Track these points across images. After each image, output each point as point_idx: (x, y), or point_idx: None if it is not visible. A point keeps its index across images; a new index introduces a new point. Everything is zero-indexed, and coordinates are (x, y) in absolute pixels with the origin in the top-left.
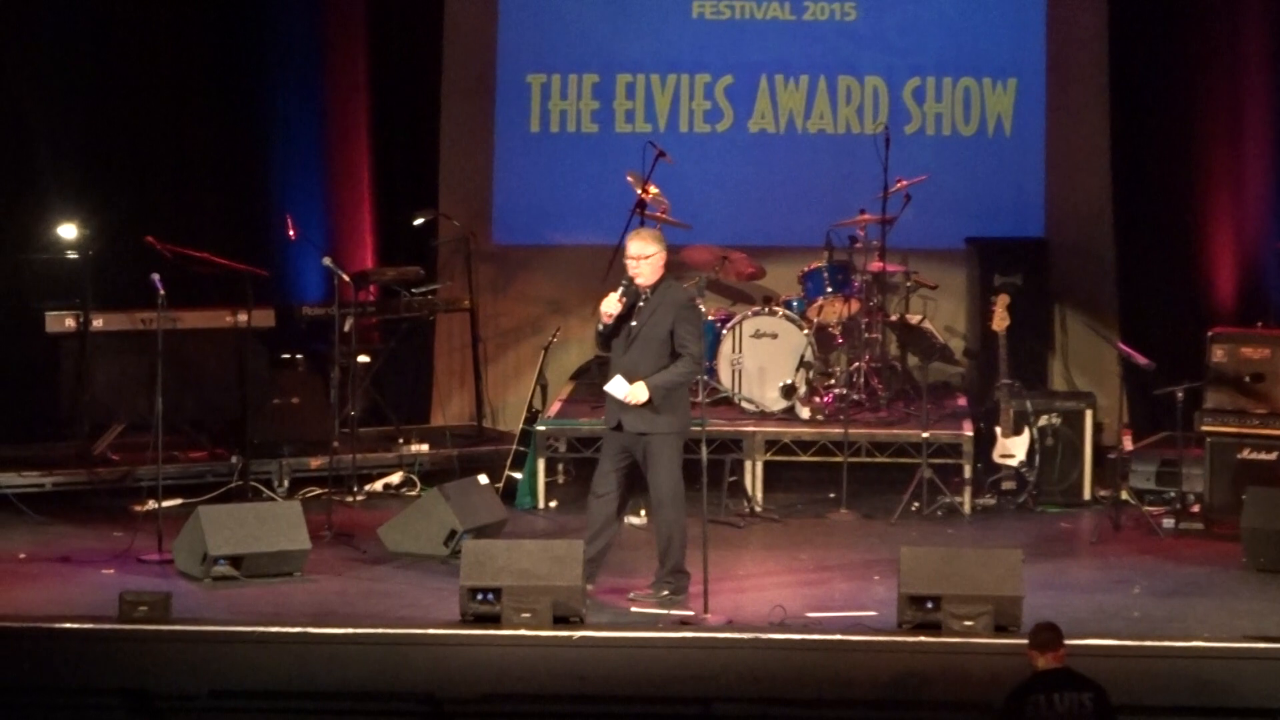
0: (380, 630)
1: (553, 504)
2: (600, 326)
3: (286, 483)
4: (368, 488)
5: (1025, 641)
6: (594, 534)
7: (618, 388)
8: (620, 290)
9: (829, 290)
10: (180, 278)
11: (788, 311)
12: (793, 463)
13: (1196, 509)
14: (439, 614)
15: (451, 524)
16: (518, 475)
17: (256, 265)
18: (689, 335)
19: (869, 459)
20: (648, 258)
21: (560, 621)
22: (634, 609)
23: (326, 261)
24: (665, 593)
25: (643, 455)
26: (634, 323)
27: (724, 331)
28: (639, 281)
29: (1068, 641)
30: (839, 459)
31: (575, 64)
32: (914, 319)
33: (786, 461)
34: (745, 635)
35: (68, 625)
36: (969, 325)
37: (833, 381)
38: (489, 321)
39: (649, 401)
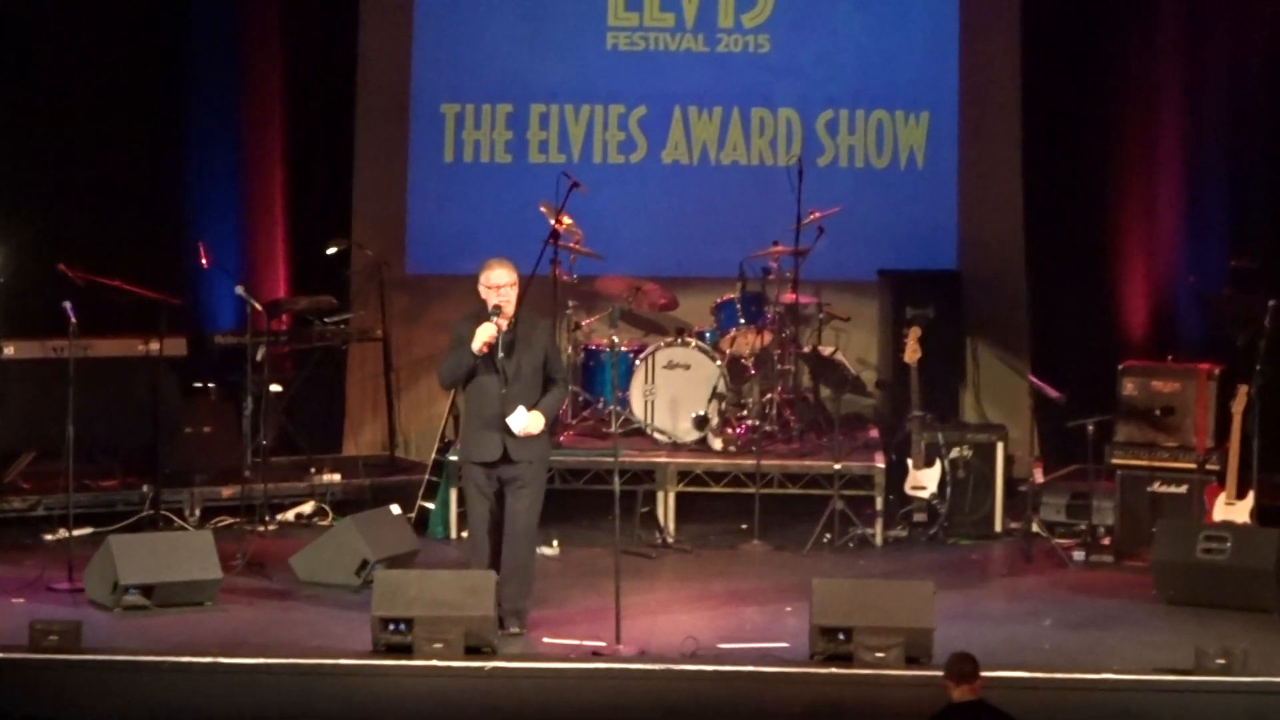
0: (291, 660)
1: (465, 534)
2: (473, 359)
3: (198, 512)
4: (279, 517)
5: (937, 673)
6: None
7: (519, 420)
8: (493, 319)
9: (742, 321)
10: (93, 305)
11: (700, 343)
12: (705, 494)
13: (1107, 541)
14: (350, 644)
15: (363, 554)
16: (430, 505)
17: (169, 293)
18: (559, 361)
19: (781, 490)
20: (513, 285)
21: (472, 652)
22: (545, 639)
23: (239, 290)
24: (515, 629)
25: (514, 484)
26: (507, 355)
27: (637, 362)
28: (507, 310)
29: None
30: (751, 490)
31: (489, 94)
32: (826, 350)
33: (699, 493)
34: (657, 666)
35: None
36: (881, 357)
37: (745, 413)
38: (401, 351)
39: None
